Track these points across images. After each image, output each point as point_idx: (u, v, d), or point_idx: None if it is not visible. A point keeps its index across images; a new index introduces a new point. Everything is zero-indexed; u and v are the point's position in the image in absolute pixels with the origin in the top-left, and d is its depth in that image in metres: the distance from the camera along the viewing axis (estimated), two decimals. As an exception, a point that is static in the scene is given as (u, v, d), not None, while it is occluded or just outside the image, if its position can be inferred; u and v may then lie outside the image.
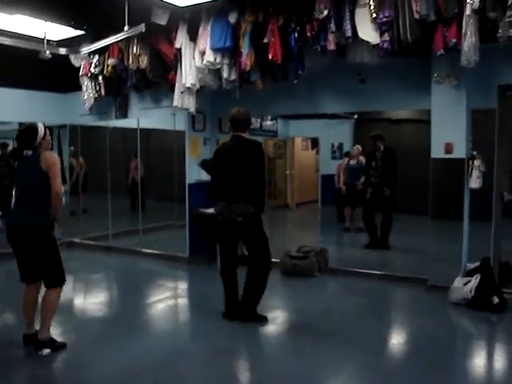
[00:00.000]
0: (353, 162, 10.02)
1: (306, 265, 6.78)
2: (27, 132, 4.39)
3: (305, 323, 5.18)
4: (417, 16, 5.11)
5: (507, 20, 4.66)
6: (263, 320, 5.13)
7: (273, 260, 7.19)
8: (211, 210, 6.89)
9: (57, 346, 4.43)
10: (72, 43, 7.36)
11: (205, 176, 7.55)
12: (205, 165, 7.38)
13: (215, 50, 6.35)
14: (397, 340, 4.90)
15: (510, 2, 4.64)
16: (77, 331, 5.03)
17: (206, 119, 7.87)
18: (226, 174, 5.04)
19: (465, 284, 5.56)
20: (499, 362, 4.34)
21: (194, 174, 7.72)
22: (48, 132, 4.49)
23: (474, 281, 5.53)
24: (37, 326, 4.47)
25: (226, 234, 5.16)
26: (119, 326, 5.11)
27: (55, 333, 4.67)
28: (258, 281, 5.09)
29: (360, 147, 10.42)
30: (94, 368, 4.10)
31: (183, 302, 6.31)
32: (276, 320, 5.33)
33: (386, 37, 5.36)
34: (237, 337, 4.85)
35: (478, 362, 4.40)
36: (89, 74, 8.02)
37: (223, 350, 4.51)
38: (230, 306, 5.19)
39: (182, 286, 6.99)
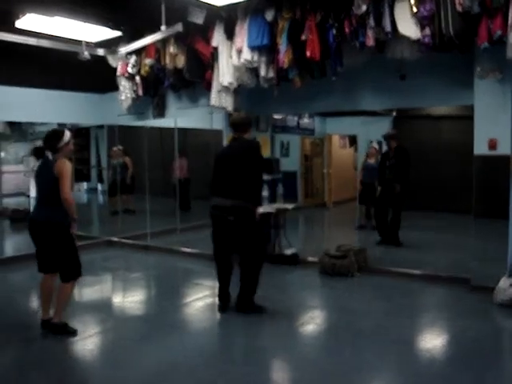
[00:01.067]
0: (370, 160, 9.90)
1: (344, 264, 6.68)
2: (53, 135, 4.79)
3: (344, 323, 5.08)
4: (459, 8, 4.97)
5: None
6: (261, 310, 5.25)
7: (311, 259, 7.24)
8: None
9: (68, 331, 4.76)
10: (109, 44, 7.44)
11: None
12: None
13: (252, 48, 6.31)
14: (440, 341, 4.76)
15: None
16: (116, 329, 5.06)
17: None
18: (225, 172, 5.22)
19: (511, 284, 5.39)
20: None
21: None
22: (72, 141, 4.84)
23: (521, 281, 5.37)
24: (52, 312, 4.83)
25: (219, 228, 5.28)
26: (158, 324, 5.12)
27: (94, 331, 4.85)
28: (252, 271, 5.24)
29: (377, 146, 10.36)
30: (131, 366, 4.12)
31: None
32: (315, 319, 5.28)
33: (427, 31, 5.24)
34: (275, 336, 4.81)
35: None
36: (126, 74, 8.08)
37: (262, 349, 4.48)
38: (221, 299, 5.42)
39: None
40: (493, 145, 5.66)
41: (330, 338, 4.82)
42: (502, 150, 5.63)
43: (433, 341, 4.71)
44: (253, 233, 5.21)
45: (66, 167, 4.62)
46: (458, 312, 5.44)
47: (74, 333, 4.76)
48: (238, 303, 5.31)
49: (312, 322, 5.17)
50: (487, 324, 5.02)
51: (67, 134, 4.76)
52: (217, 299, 5.49)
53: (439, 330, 5.04)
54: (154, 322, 5.20)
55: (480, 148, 5.79)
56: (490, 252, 5.93)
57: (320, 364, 4.18)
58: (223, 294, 5.42)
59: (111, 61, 8.02)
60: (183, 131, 9.92)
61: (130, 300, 6.18)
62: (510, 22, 4.74)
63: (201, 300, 5.89)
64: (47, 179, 4.66)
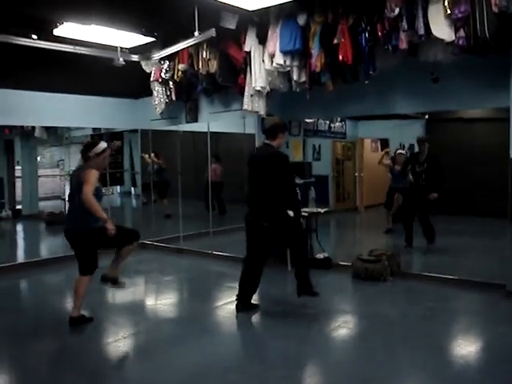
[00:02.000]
0: (397, 167, 9.76)
1: (377, 268, 6.64)
2: (86, 145, 5.16)
3: (377, 328, 5.06)
4: (495, 9, 4.88)
5: None
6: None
7: (343, 263, 7.21)
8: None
9: (85, 319, 5.11)
10: (144, 50, 7.55)
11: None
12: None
13: (285, 53, 6.33)
14: (475, 348, 4.70)
15: None
16: (149, 332, 5.14)
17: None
18: (254, 181, 5.44)
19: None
20: None
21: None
22: (107, 154, 5.11)
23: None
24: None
25: (252, 234, 5.43)
26: (191, 327, 5.17)
27: (128, 333, 5.00)
28: (300, 267, 5.60)
29: (405, 152, 10.33)
30: (165, 367, 4.16)
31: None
32: (348, 324, 5.27)
33: (462, 33, 5.17)
34: (308, 340, 4.80)
35: None
36: (160, 80, 8.19)
37: (295, 354, 4.48)
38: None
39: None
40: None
41: (363, 343, 4.79)
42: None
43: (467, 347, 4.64)
44: (291, 233, 5.38)
45: (91, 174, 4.84)
46: (493, 318, 5.35)
47: (91, 319, 5.15)
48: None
49: (345, 327, 5.15)
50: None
51: (100, 146, 5.00)
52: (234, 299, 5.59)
53: (474, 336, 4.97)
54: (187, 325, 5.26)
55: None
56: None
57: (353, 369, 4.16)
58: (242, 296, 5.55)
59: (145, 66, 8.13)
60: (216, 135, 10.00)
61: (163, 302, 6.25)
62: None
63: (233, 303, 5.91)
64: (75, 186, 4.94)
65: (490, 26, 4.97)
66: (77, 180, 4.91)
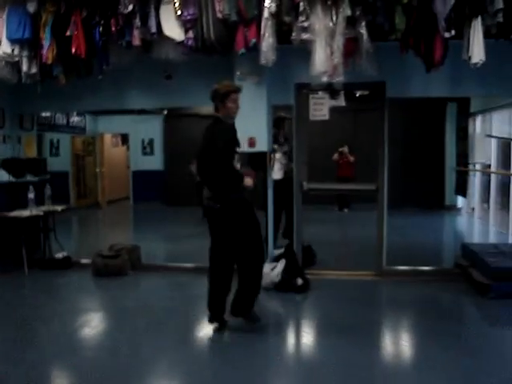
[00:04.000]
0: None
1: (118, 263, 6.67)
2: None
3: (121, 323, 5.10)
4: (219, 15, 5.30)
5: (299, 25, 5.05)
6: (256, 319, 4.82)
7: (85, 261, 7.07)
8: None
9: None
10: None
11: (6, 177, 7.08)
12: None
13: (13, 41, 5.92)
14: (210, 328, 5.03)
15: (301, 9, 5.02)
16: None
17: (4, 115, 7.31)
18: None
19: (272, 269, 5.94)
20: (305, 337, 4.76)
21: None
22: None
23: (280, 266, 5.94)
24: None
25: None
26: None
27: None
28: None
29: None
30: None
31: None
32: (90, 322, 5.19)
33: (191, 34, 5.48)
34: (49, 342, 4.62)
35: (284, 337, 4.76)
36: None
37: (38, 359, 4.27)
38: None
39: None
40: (252, 143, 6.15)
41: (107, 339, 4.79)
42: (261, 147, 6.17)
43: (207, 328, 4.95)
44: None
45: None
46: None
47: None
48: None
49: (88, 325, 5.06)
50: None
51: None
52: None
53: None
54: None
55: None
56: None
57: (97, 366, 4.12)
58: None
59: None
60: None
61: None
62: (262, 31, 5.20)
63: None
64: None
65: (215, 31, 5.37)
66: None
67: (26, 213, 6.84)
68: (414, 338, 4.72)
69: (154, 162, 14.37)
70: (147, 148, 14.38)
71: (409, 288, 6.02)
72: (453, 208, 12.69)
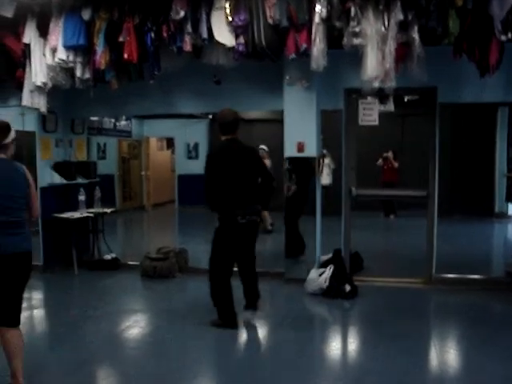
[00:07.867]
0: None
1: (165, 266, 6.76)
2: None
3: (168, 324, 5.16)
4: (270, 21, 5.31)
5: (351, 30, 5.02)
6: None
7: (132, 263, 7.18)
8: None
9: None
10: None
11: (58, 179, 7.23)
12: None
13: (68, 48, 6.06)
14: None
15: (352, 14, 4.99)
16: None
17: (57, 119, 7.48)
18: (235, 179, 4.90)
19: (320, 275, 5.91)
20: (353, 344, 4.74)
21: (47, 176, 7.27)
22: None
23: (328, 271, 5.90)
24: None
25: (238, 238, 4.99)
26: None
27: None
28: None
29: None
30: None
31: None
32: (139, 323, 5.26)
33: (241, 40, 5.50)
34: (100, 341, 4.70)
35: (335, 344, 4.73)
36: None
37: (90, 357, 4.35)
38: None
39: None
40: (301, 147, 6.15)
41: (155, 340, 4.84)
42: (309, 152, 6.19)
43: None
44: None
45: None
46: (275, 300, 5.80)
47: None
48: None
49: (136, 326, 5.14)
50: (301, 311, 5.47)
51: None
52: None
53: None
54: None
55: (290, 151, 6.27)
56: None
57: (145, 366, 4.20)
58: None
59: None
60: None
61: None
62: (313, 37, 5.18)
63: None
64: None
65: (266, 36, 5.38)
66: None
67: (76, 214, 7.00)
68: (463, 348, 4.62)
69: (199, 166, 14.41)
70: (192, 152, 14.50)
71: (459, 296, 5.92)
72: (503, 215, 12.31)
